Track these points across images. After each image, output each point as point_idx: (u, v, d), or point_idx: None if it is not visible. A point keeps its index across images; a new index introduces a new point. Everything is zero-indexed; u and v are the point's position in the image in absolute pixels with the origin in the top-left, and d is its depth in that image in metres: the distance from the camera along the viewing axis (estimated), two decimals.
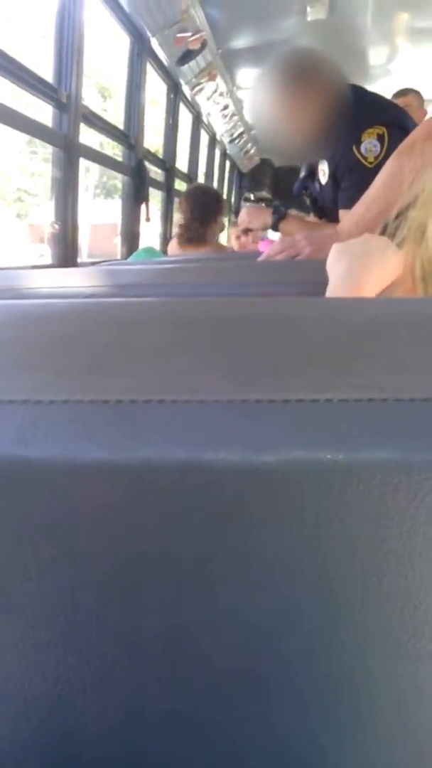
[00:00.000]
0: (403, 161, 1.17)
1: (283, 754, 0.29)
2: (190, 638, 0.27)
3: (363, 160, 1.58)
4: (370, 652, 0.27)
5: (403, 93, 2.83)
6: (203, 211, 2.34)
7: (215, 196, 2.53)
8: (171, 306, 0.30)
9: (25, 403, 0.26)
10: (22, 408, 0.26)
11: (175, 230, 3.66)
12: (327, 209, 1.82)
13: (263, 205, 2.09)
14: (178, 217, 4.07)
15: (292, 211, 1.82)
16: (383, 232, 0.60)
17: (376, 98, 1.69)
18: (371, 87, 1.69)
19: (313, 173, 1.88)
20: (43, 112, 2.09)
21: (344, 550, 0.25)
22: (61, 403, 0.26)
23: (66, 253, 2.14)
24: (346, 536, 0.25)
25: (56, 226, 2.16)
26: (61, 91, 2.02)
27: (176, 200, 3.57)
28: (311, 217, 1.95)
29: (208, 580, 0.26)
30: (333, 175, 1.73)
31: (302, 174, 1.95)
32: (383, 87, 1.73)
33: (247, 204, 1.89)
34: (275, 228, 1.81)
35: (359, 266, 0.60)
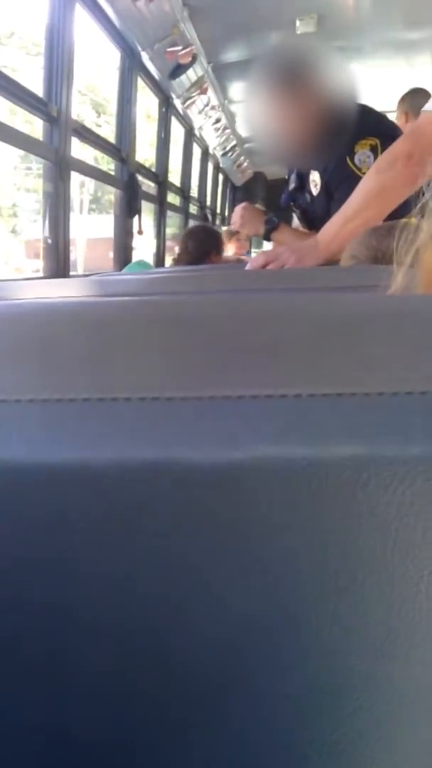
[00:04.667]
0: (382, 178, 1.19)
1: (261, 762, 0.28)
2: (163, 643, 0.26)
3: (357, 171, 1.59)
4: (348, 654, 0.26)
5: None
6: (198, 248, 2.40)
7: (214, 236, 2.59)
8: (138, 305, 0.29)
9: None
10: None
11: (169, 243, 3.70)
12: (317, 220, 1.82)
13: (258, 205, 2.10)
14: (171, 231, 4.11)
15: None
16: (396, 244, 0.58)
17: (368, 110, 1.70)
18: (359, 101, 1.70)
19: (302, 185, 1.89)
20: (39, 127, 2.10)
21: (316, 548, 0.24)
22: (27, 403, 0.26)
23: (58, 267, 2.14)
24: (317, 534, 0.24)
25: (48, 241, 2.16)
26: (51, 105, 2.02)
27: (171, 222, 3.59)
28: (300, 228, 1.96)
29: (177, 583, 0.25)
30: (325, 186, 1.74)
31: (291, 186, 1.96)
32: (371, 101, 1.74)
33: (242, 204, 1.89)
34: (267, 238, 1.82)
35: None
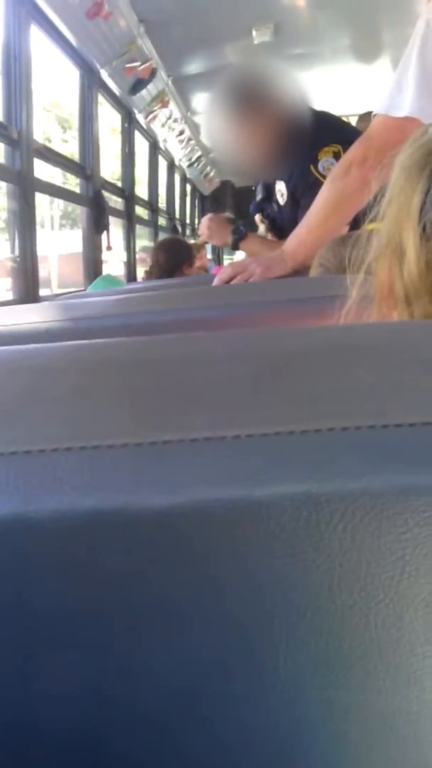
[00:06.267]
0: (339, 186, 1.21)
1: None
2: (125, 690, 0.26)
3: (321, 179, 1.60)
4: (305, 687, 0.26)
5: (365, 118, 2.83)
6: (169, 260, 2.42)
7: (185, 248, 2.61)
8: (78, 350, 0.29)
9: None
10: None
11: (142, 256, 3.71)
12: (286, 229, 1.84)
13: (227, 214, 2.12)
14: (143, 244, 4.11)
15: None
16: (351, 257, 0.58)
17: (329, 117, 1.72)
18: (318, 107, 1.71)
19: (269, 195, 1.90)
20: None
21: (263, 588, 0.24)
22: None
23: (27, 287, 2.13)
24: (262, 574, 0.24)
25: (17, 261, 2.16)
26: (11, 128, 2.02)
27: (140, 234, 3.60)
28: (269, 236, 1.97)
29: (124, 633, 0.25)
30: (292, 195, 1.75)
31: (258, 197, 1.97)
32: (330, 107, 1.76)
33: (209, 215, 1.90)
34: (235, 247, 1.83)
35: None
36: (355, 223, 1.30)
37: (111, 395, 0.27)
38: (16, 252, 2.14)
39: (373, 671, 0.25)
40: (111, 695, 0.26)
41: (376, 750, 0.27)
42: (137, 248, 3.84)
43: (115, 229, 3.33)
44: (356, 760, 0.27)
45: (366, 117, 2.78)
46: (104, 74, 2.87)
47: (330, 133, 1.64)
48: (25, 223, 2.13)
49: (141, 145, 4.01)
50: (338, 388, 0.26)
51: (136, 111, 3.50)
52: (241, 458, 0.24)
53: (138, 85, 3.10)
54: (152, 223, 4.36)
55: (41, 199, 2.19)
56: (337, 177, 1.23)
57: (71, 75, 2.83)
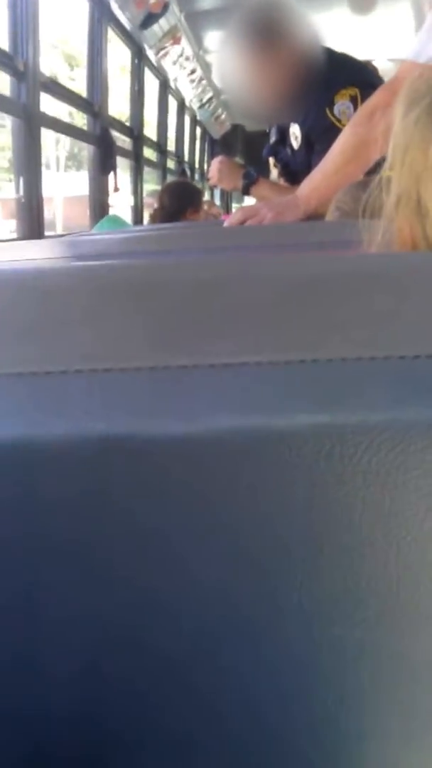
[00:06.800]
0: (360, 131, 1.16)
1: (232, 732, 0.28)
2: (134, 620, 0.26)
3: (337, 123, 1.55)
4: (315, 622, 0.25)
5: None
6: (173, 204, 2.37)
7: (191, 191, 2.54)
8: (92, 271, 0.28)
9: None
10: None
11: (149, 200, 3.65)
12: (300, 174, 1.79)
13: (237, 159, 2.06)
14: (152, 188, 4.03)
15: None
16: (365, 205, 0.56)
17: (347, 59, 1.65)
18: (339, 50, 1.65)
19: (283, 138, 1.85)
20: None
21: (281, 519, 0.23)
22: None
23: (31, 226, 2.09)
24: (281, 505, 0.23)
25: (22, 199, 2.11)
26: (17, 59, 1.95)
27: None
28: (281, 182, 1.93)
29: (130, 562, 0.24)
30: (306, 138, 1.70)
31: (272, 139, 1.92)
32: (349, 48, 1.69)
33: (219, 158, 1.84)
34: (246, 192, 1.78)
35: None
36: (371, 173, 1.26)
37: (123, 317, 0.25)
38: (21, 190, 2.10)
39: (390, 610, 0.25)
40: (114, 625, 0.26)
41: (388, 692, 0.26)
42: (144, 192, 3.76)
43: (123, 173, 3.26)
44: (366, 701, 0.26)
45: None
46: (114, 7, 2.76)
47: (347, 74, 1.58)
48: (30, 159, 2.07)
49: (151, 84, 3.89)
50: (362, 315, 0.24)
51: (146, 47, 3.39)
52: (261, 386, 0.23)
53: (149, 19, 2.99)
54: (160, 166, 4.27)
55: (46, 140, 2.13)
56: (359, 122, 1.19)
57: (81, 8, 2.73)
